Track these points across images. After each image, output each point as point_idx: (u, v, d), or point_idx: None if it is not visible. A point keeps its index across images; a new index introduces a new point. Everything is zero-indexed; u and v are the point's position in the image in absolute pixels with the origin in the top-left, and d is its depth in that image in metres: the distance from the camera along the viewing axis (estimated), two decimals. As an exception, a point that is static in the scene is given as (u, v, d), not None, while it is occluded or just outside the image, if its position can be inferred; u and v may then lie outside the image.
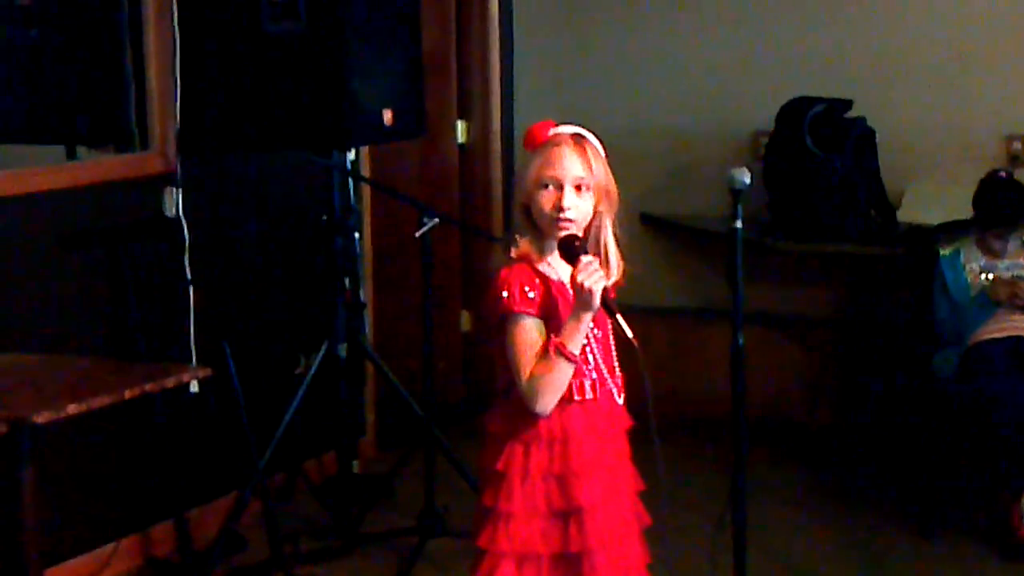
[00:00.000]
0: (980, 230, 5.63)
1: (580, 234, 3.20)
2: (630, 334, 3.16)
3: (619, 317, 3.17)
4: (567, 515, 3.22)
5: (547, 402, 3.18)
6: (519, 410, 3.22)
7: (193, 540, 5.19)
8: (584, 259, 3.16)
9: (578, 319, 3.16)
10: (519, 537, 3.21)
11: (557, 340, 3.15)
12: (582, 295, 3.14)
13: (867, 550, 5.36)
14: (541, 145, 3.21)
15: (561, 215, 3.18)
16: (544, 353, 3.16)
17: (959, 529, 5.48)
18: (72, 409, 3.55)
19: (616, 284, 3.27)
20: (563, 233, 3.18)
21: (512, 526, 3.22)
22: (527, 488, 3.21)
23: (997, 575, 5.13)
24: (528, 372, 3.16)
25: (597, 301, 3.14)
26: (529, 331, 3.16)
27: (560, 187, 3.18)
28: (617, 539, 3.27)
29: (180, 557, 5.18)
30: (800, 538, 5.46)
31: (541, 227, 3.21)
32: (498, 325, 3.20)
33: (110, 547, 5.07)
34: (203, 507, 5.45)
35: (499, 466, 3.22)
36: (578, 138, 3.22)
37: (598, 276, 3.14)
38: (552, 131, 3.23)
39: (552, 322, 3.18)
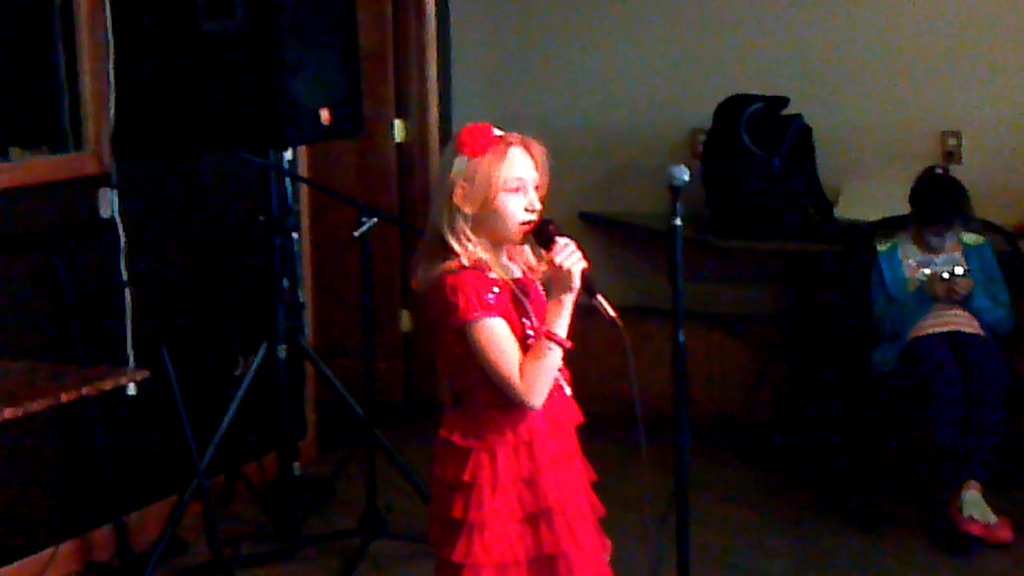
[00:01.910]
0: (917, 226, 5.67)
1: None
2: (612, 314, 3.16)
3: (600, 297, 3.16)
4: (537, 517, 3.21)
5: (543, 394, 3.16)
6: (477, 417, 3.21)
7: (132, 544, 5.15)
8: (560, 241, 3.15)
9: (559, 302, 3.15)
10: (496, 547, 3.18)
11: (544, 328, 3.14)
12: (561, 276, 3.13)
13: (810, 546, 5.38)
14: (492, 148, 3.16)
15: (530, 217, 3.16)
16: (530, 346, 3.14)
17: (902, 524, 5.52)
18: (8, 413, 3.52)
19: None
20: (525, 219, 3.15)
21: (487, 537, 3.17)
22: (499, 496, 3.17)
23: (940, 568, 5.17)
24: (518, 370, 3.13)
25: (577, 282, 3.13)
26: (501, 331, 3.13)
27: (526, 190, 3.17)
28: (585, 536, 3.26)
29: (119, 562, 5.14)
30: (743, 535, 5.48)
31: (500, 231, 3.17)
32: (454, 335, 3.16)
33: (48, 552, 5.03)
34: (142, 511, 5.41)
35: (466, 477, 3.18)
36: (525, 140, 3.20)
37: (576, 257, 3.13)
38: (497, 133, 3.20)
39: (510, 324, 3.16)
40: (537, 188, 3.20)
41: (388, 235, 6.83)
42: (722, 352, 6.75)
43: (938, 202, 5.60)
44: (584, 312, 3.20)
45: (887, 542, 5.37)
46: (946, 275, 5.57)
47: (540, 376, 3.14)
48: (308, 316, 6.23)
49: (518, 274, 3.24)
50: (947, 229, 5.60)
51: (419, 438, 6.02)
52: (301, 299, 5.93)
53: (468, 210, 3.15)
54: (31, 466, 5.00)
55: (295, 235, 5.62)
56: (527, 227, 3.18)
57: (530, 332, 3.18)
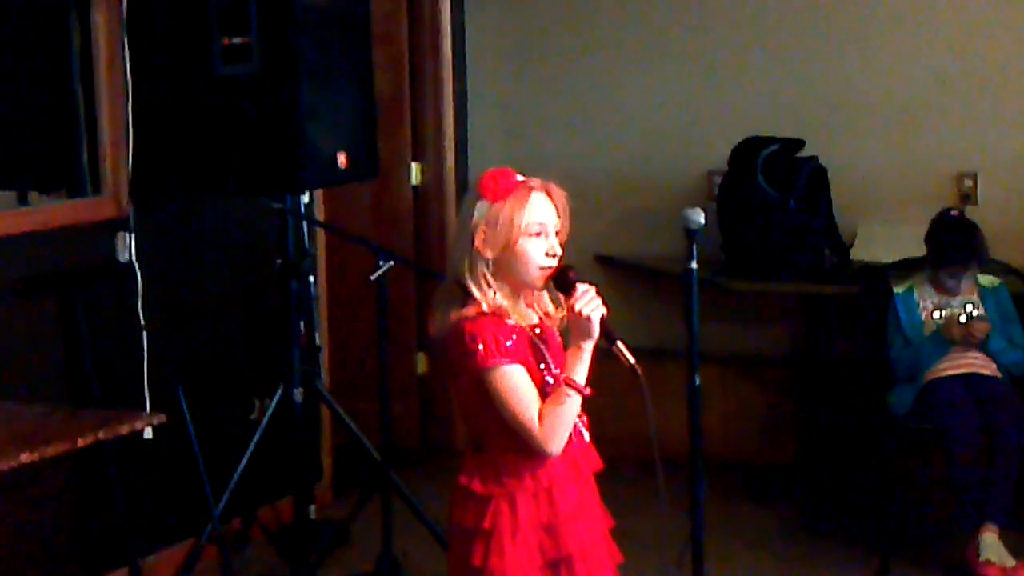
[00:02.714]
0: (933, 267, 5.66)
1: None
2: (632, 360, 3.16)
3: (620, 344, 3.16)
4: (557, 564, 3.20)
5: (561, 441, 3.16)
6: (496, 464, 3.20)
7: (148, 588, 5.15)
8: (580, 287, 3.15)
9: (579, 348, 3.15)
10: None
11: (564, 375, 3.13)
12: (581, 323, 3.13)
13: (826, 589, 5.36)
14: (514, 193, 3.16)
15: (551, 262, 3.17)
16: (549, 393, 3.14)
17: (919, 567, 5.48)
18: (25, 458, 3.52)
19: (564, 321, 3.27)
20: (546, 264, 3.16)
21: None
22: (519, 543, 3.16)
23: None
24: (537, 417, 3.13)
25: (597, 329, 3.13)
26: (520, 378, 3.13)
27: (547, 234, 3.18)
28: None
29: (135, 606, 5.13)
30: (759, 577, 5.47)
31: (520, 276, 3.17)
32: (473, 381, 3.16)
33: (64, 596, 5.02)
34: (158, 554, 5.40)
35: (486, 524, 3.17)
36: (546, 184, 3.21)
37: (596, 304, 3.13)
38: (519, 178, 3.20)
39: (528, 370, 3.15)
40: (558, 233, 3.21)
41: (404, 278, 6.83)
42: (738, 394, 6.74)
43: (954, 243, 5.59)
44: (602, 354, 3.20)
45: (905, 585, 5.35)
46: (963, 318, 5.55)
47: (559, 423, 3.14)
48: (324, 359, 6.23)
49: (535, 320, 3.24)
50: (963, 270, 5.60)
51: (435, 481, 6.02)
52: (318, 342, 5.93)
53: (489, 254, 3.16)
54: (47, 509, 4.99)
55: (312, 278, 5.62)
56: (547, 272, 3.18)
57: (548, 379, 3.18)
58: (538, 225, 3.16)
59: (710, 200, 6.50)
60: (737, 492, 6.38)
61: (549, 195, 3.20)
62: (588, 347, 3.15)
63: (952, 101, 6.42)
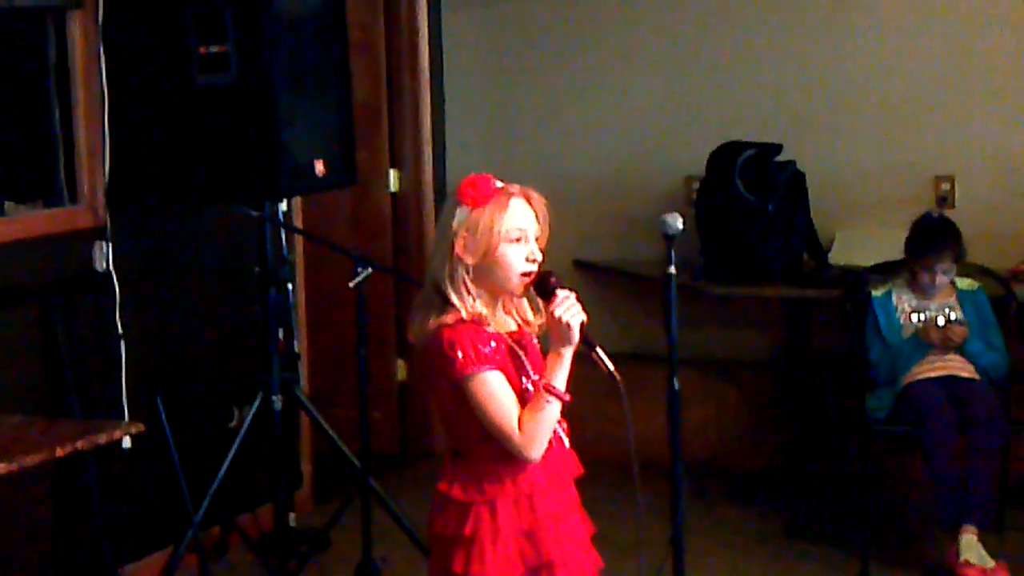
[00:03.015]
0: (911, 261, 5.67)
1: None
2: (611, 367, 3.16)
3: (599, 350, 3.16)
4: (538, 570, 3.20)
5: (541, 447, 3.15)
6: (477, 471, 3.20)
7: (128, 598, 5.14)
8: (560, 293, 3.15)
9: (558, 355, 3.15)
10: None
11: (544, 381, 3.14)
12: (561, 329, 3.13)
13: (806, 592, 5.37)
14: (494, 199, 3.16)
15: (531, 268, 3.17)
16: (528, 399, 3.14)
17: (897, 568, 5.49)
18: (2, 468, 3.51)
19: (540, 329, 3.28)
20: (527, 270, 3.16)
21: None
22: (500, 549, 3.16)
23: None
24: (517, 423, 3.13)
25: (576, 335, 3.13)
26: (499, 384, 3.13)
27: (527, 240, 3.18)
28: None
29: (115, 615, 5.12)
30: (740, 581, 5.47)
31: (500, 282, 3.18)
32: (452, 389, 3.15)
33: (43, 606, 5.01)
34: (137, 563, 5.39)
35: (466, 531, 3.17)
36: (526, 190, 3.21)
37: (576, 310, 3.14)
38: (498, 184, 3.20)
39: (508, 377, 3.15)
40: (538, 239, 3.21)
41: (383, 285, 6.83)
42: (718, 398, 6.75)
43: (932, 234, 5.62)
44: (579, 358, 3.20)
45: (885, 588, 5.36)
46: (941, 321, 5.57)
47: (539, 429, 3.14)
48: (303, 366, 6.23)
49: (514, 328, 3.24)
50: (939, 260, 5.57)
51: (415, 488, 6.03)
52: (296, 349, 5.92)
53: (469, 260, 3.16)
54: (25, 519, 4.98)
55: (290, 286, 5.62)
56: (527, 278, 3.18)
57: (528, 386, 3.18)
58: (518, 231, 3.17)
59: (688, 205, 6.52)
60: (717, 496, 6.38)
61: (528, 201, 3.20)
62: (568, 353, 3.16)
63: (929, 105, 6.44)
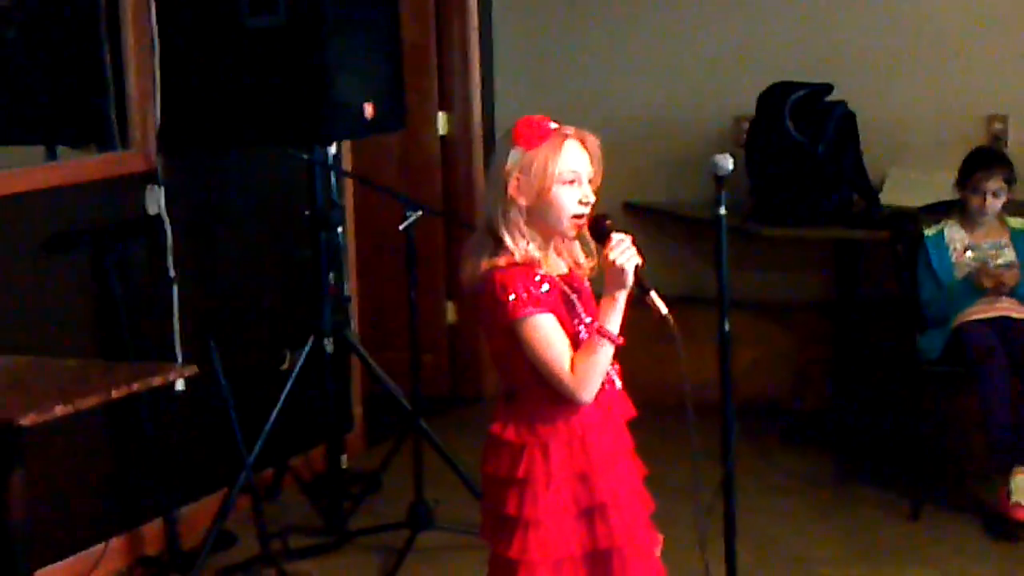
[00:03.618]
0: (962, 203, 5.64)
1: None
2: (664, 310, 3.16)
3: (653, 294, 3.16)
4: (591, 511, 3.21)
5: (593, 389, 3.16)
6: (530, 413, 3.20)
7: (182, 538, 5.18)
8: (616, 237, 3.15)
9: (612, 298, 3.15)
10: (552, 542, 3.18)
11: (597, 324, 3.14)
12: (615, 273, 3.13)
13: (858, 533, 5.37)
14: (548, 140, 3.15)
15: (583, 210, 3.17)
16: (581, 342, 3.15)
17: (950, 510, 5.49)
18: (59, 410, 3.54)
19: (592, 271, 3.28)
20: (579, 212, 3.16)
21: (542, 532, 3.17)
22: (553, 491, 3.17)
23: (988, 554, 5.15)
24: (569, 365, 3.14)
25: (631, 278, 3.13)
26: (551, 327, 3.13)
27: (580, 182, 3.17)
28: (638, 530, 3.27)
29: (170, 556, 5.17)
30: (789, 523, 5.47)
31: (553, 224, 3.17)
32: (504, 331, 3.15)
33: (99, 547, 5.06)
34: (192, 505, 5.44)
35: (519, 473, 3.18)
36: (581, 132, 3.21)
37: (631, 253, 3.13)
38: (553, 126, 3.19)
39: (560, 320, 3.16)
40: (591, 181, 3.20)
41: (432, 228, 6.84)
42: (769, 340, 6.74)
43: (979, 155, 5.63)
44: (633, 302, 3.20)
45: (935, 529, 5.35)
46: (992, 265, 5.54)
47: (591, 371, 3.14)
48: (354, 309, 6.25)
49: (565, 270, 3.24)
50: (988, 177, 5.54)
51: (466, 430, 6.05)
52: (347, 293, 5.95)
53: (522, 202, 3.15)
54: (81, 462, 5.04)
55: (340, 229, 5.63)
56: (580, 220, 3.18)
57: (580, 328, 3.18)
58: (572, 173, 3.16)
59: (738, 146, 6.48)
60: (768, 438, 6.39)
61: (583, 143, 3.19)
62: (622, 297, 3.15)
63: (981, 43, 6.38)
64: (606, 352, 3.15)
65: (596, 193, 3.20)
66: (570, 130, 3.19)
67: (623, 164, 6.67)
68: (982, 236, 5.65)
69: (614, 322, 3.15)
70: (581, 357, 3.14)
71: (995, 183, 5.56)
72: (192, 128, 5.36)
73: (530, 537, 3.17)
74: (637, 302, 3.20)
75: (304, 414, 5.61)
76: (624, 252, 3.14)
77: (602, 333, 3.13)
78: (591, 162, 3.19)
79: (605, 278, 3.17)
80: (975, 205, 5.59)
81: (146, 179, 5.25)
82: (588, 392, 3.15)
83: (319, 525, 5.50)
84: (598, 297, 3.22)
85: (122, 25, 5.17)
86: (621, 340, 3.16)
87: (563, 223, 3.17)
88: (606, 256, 3.14)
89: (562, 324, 3.15)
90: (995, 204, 5.59)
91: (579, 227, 3.19)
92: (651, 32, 6.92)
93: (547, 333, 3.12)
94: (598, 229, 3.18)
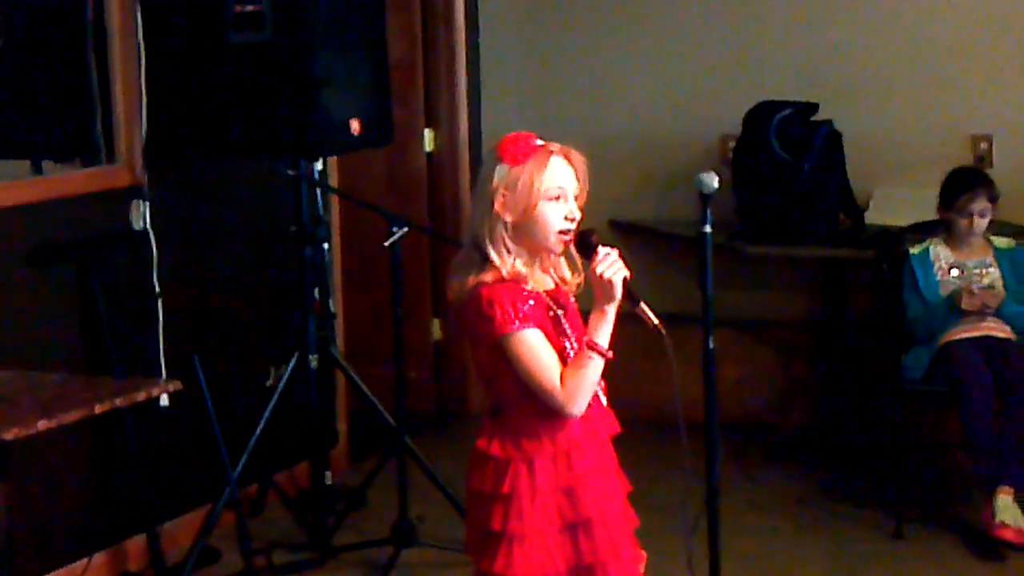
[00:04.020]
0: (947, 224, 5.66)
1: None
2: (655, 321, 3.16)
3: (643, 305, 3.17)
4: (576, 527, 3.21)
5: (584, 403, 3.16)
6: (515, 428, 3.21)
7: (166, 554, 5.17)
8: (602, 251, 3.15)
9: (602, 312, 3.15)
10: (536, 558, 3.18)
11: (587, 337, 3.14)
12: (603, 287, 3.14)
13: (843, 552, 5.37)
14: (534, 157, 3.16)
15: (569, 226, 3.17)
16: (567, 359, 3.15)
17: (934, 529, 5.50)
18: (42, 425, 3.53)
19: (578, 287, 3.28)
20: (565, 227, 3.16)
21: (527, 547, 3.18)
22: (538, 506, 3.18)
23: (972, 573, 5.15)
24: (558, 380, 3.14)
25: (619, 292, 3.13)
26: (539, 342, 3.13)
27: (566, 198, 3.18)
28: (623, 546, 3.27)
29: (153, 571, 5.16)
30: (775, 541, 5.47)
31: (539, 240, 3.18)
32: (491, 347, 3.16)
33: (82, 563, 5.04)
34: (175, 520, 5.42)
35: (504, 488, 3.18)
36: (566, 149, 3.21)
37: (618, 266, 3.14)
38: (539, 142, 3.20)
39: (546, 336, 3.16)
40: (577, 197, 3.21)
41: (418, 244, 6.84)
42: (754, 358, 6.74)
43: (961, 176, 5.64)
44: (620, 315, 3.20)
45: (919, 547, 5.35)
46: (975, 287, 5.55)
47: (581, 385, 3.14)
48: (339, 326, 6.24)
49: (551, 287, 3.25)
50: (973, 199, 5.56)
51: (450, 447, 6.05)
52: (332, 309, 5.94)
53: (508, 218, 3.16)
54: (65, 477, 5.02)
55: (326, 245, 5.62)
56: (566, 236, 3.18)
57: (566, 345, 3.19)
58: (558, 189, 3.16)
59: (724, 164, 6.49)
60: (753, 456, 6.39)
61: (568, 160, 3.20)
62: (611, 310, 3.16)
63: (967, 63, 6.39)
64: (596, 366, 3.15)
65: (582, 210, 3.21)
66: (555, 146, 3.20)
67: (610, 182, 6.70)
68: (967, 255, 5.67)
69: (604, 336, 3.15)
70: (571, 371, 3.14)
71: (981, 204, 5.58)
72: (178, 143, 5.36)
73: (515, 552, 3.17)
74: (627, 316, 3.20)
75: (289, 430, 5.60)
76: (611, 265, 3.14)
77: (591, 347, 3.14)
78: (577, 178, 3.20)
79: (594, 292, 3.17)
80: (962, 226, 5.61)
81: (132, 194, 5.24)
82: (578, 406, 3.16)
83: (303, 541, 5.49)
84: (584, 314, 3.22)
85: (109, 39, 5.17)
86: (610, 354, 3.16)
87: (549, 239, 3.18)
88: (593, 270, 3.15)
89: (548, 340, 3.15)
90: (982, 224, 5.61)
91: (565, 243, 3.19)
92: (638, 50, 6.93)
93: (535, 348, 3.13)
94: (584, 244, 3.18)
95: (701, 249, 3.86)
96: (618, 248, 3.20)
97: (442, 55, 7.09)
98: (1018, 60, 6.32)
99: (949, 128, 6.40)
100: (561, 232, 3.17)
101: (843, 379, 6.52)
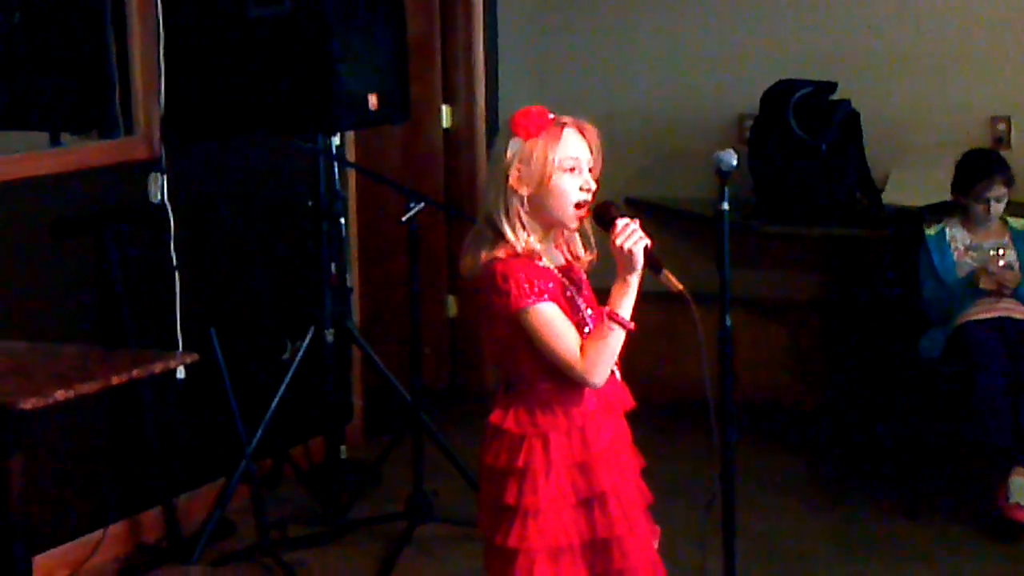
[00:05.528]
0: (963, 208, 5.64)
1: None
2: (680, 287, 3.16)
3: (666, 272, 3.16)
4: (590, 501, 3.21)
5: (604, 374, 3.16)
6: (530, 403, 3.21)
7: (181, 526, 5.19)
8: (620, 222, 3.15)
9: (624, 282, 3.15)
10: (551, 531, 3.18)
11: (608, 308, 3.14)
12: (624, 257, 3.13)
13: (856, 532, 5.38)
14: (547, 129, 3.16)
15: (585, 197, 3.17)
16: (583, 335, 3.15)
17: (947, 509, 5.50)
18: (59, 395, 3.55)
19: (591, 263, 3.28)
20: (581, 199, 3.16)
21: (541, 521, 3.18)
22: (552, 480, 3.17)
23: (986, 554, 5.15)
24: (578, 352, 3.14)
25: (640, 262, 3.13)
26: (556, 315, 3.13)
27: (581, 170, 3.18)
28: (638, 520, 3.27)
29: (168, 543, 5.18)
30: (788, 521, 5.47)
31: (555, 213, 3.17)
32: (505, 322, 3.15)
33: (98, 534, 5.06)
34: (191, 493, 5.44)
35: (519, 463, 3.18)
36: (578, 121, 3.21)
37: (637, 236, 3.14)
38: (551, 116, 3.19)
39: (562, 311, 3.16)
40: (591, 170, 3.21)
41: (435, 220, 6.84)
42: (769, 337, 6.74)
43: (976, 161, 5.62)
44: (642, 286, 3.20)
45: (933, 528, 5.36)
46: (994, 267, 5.54)
47: (602, 356, 3.14)
48: (355, 301, 6.26)
49: (564, 263, 3.25)
50: (989, 185, 5.54)
51: (465, 423, 6.04)
52: (348, 284, 5.95)
53: (523, 192, 3.15)
54: (82, 449, 5.04)
55: (343, 220, 5.64)
56: (582, 208, 3.18)
57: (580, 319, 3.19)
58: (572, 160, 3.16)
59: (741, 143, 6.48)
60: (767, 436, 6.39)
61: (581, 132, 3.20)
62: (634, 280, 3.16)
63: (986, 44, 6.37)
64: (617, 337, 3.14)
65: (597, 183, 3.21)
66: (568, 119, 3.20)
67: (625, 159, 6.71)
68: (983, 236, 5.66)
69: (626, 307, 3.15)
70: (591, 342, 3.14)
71: (997, 190, 5.57)
72: (196, 116, 5.37)
73: (529, 525, 3.18)
74: (641, 295, 3.19)
75: (304, 404, 5.62)
76: (631, 236, 3.14)
77: (613, 318, 3.13)
78: (590, 150, 3.20)
79: (616, 263, 3.17)
80: (979, 212, 5.59)
81: (149, 167, 5.26)
82: (599, 376, 3.15)
83: (318, 515, 5.51)
84: (596, 292, 3.22)
85: (127, 12, 5.17)
86: (632, 325, 3.16)
87: (566, 211, 3.17)
88: (613, 242, 3.14)
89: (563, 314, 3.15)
90: (998, 209, 5.60)
91: (581, 217, 3.19)
92: (656, 28, 6.91)
93: (553, 319, 3.12)
94: (603, 216, 3.18)
95: (718, 227, 3.85)
96: (638, 218, 3.19)
97: (460, 32, 7.08)
98: (1038, 41, 6.30)
99: (968, 109, 6.38)
100: (577, 205, 3.17)
101: (858, 359, 6.51)
